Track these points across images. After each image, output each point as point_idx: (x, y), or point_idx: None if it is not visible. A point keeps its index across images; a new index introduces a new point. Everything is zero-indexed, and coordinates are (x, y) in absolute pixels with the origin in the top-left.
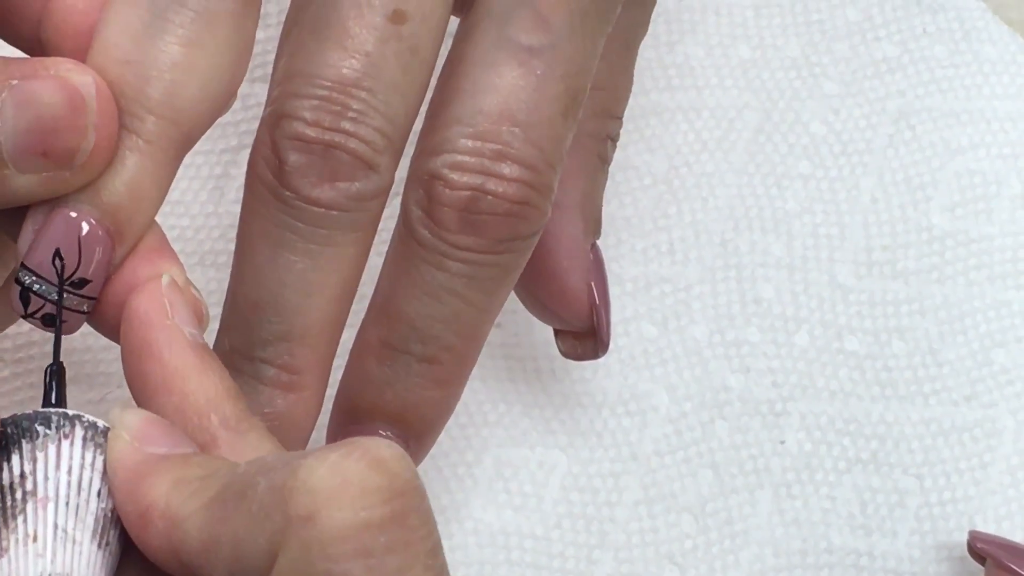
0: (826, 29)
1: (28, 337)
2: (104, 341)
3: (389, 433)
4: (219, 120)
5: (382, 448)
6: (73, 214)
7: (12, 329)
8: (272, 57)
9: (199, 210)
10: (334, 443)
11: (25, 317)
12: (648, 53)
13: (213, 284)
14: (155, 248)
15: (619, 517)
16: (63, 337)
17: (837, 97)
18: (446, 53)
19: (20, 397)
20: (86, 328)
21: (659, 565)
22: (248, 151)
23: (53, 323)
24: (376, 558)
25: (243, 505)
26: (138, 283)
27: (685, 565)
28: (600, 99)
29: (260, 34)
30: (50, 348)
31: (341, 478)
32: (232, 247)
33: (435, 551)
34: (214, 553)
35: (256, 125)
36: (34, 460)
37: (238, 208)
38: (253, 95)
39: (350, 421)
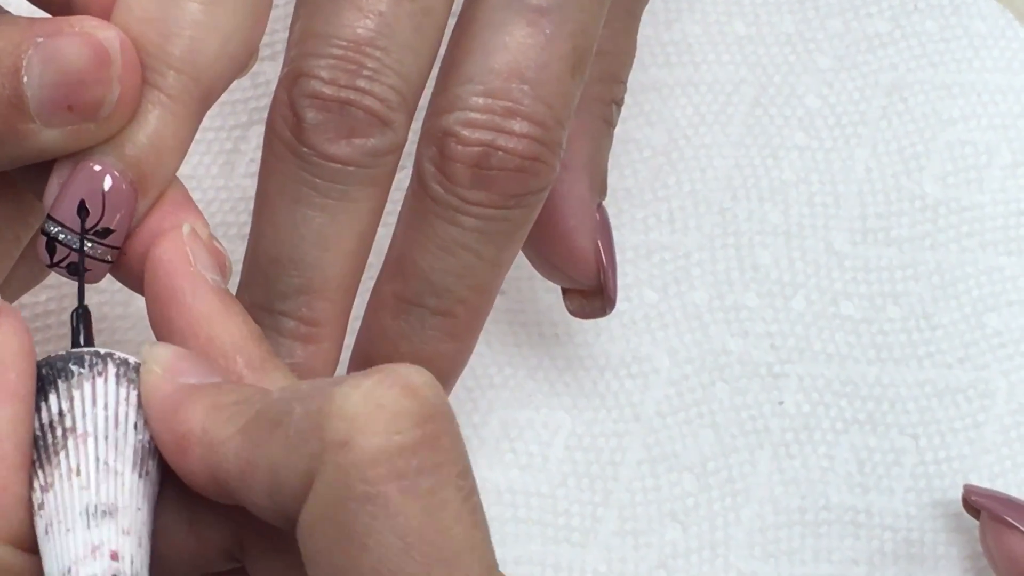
0: (819, 5)
1: (45, 307)
2: (119, 310)
3: None
4: (228, 97)
5: (413, 374)
6: (97, 166)
7: (28, 299)
8: (279, 36)
9: (210, 184)
10: (367, 369)
11: (51, 267)
12: (647, 31)
13: None
14: (178, 202)
15: (622, 476)
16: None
17: (831, 71)
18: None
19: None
20: (102, 297)
21: (662, 522)
22: (258, 127)
23: (78, 272)
24: (409, 479)
25: (279, 430)
26: (161, 235)
27: (687, 522)
28: (605, 64)
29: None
30: (66, 318)
31: (375, 403)
32: (242, 220)
33: (465, 473)
34: (251, 476)
35: (266, 102)
36: (71, 398)
37: (248, 182)
38: (262, 73)
39: None
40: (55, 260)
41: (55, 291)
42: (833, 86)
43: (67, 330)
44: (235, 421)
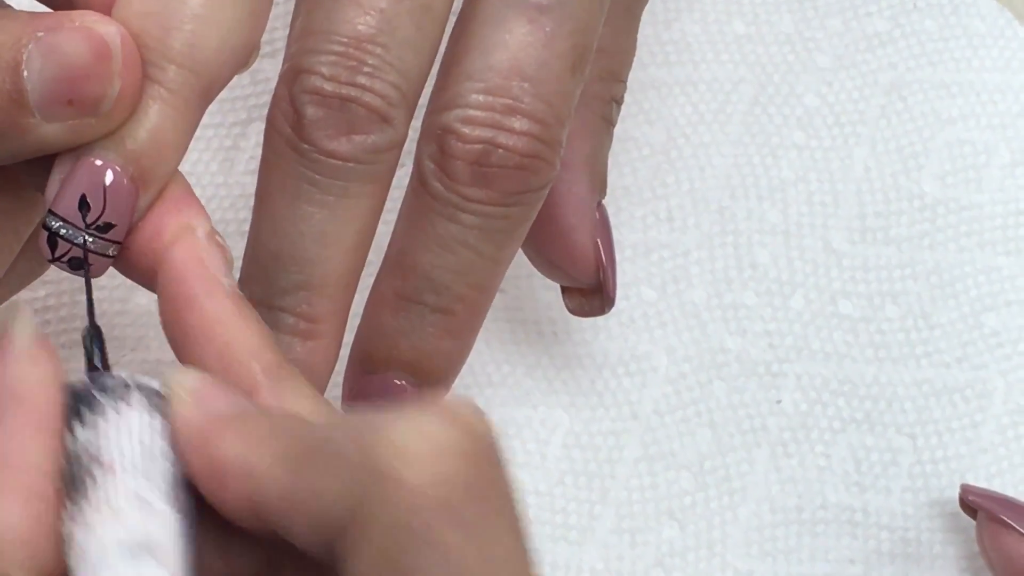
0: (819, 5)
1: (44, 303)
2: (118, 306)
3: (403, 382)
4: (228, 94)
5: (463, 408)
6: (98, 161)
7: (27, 294)
8: (279, 34)
9: (210, 181)
10: (418, 403)
11: (52, 261)
12: (646, 30)
13: None
14: (181, 197)
15: (620, 474)
16: (81, 301)
17: (830, 70)
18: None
19: None
20: (101, 293)
21: (659, 520)
22: (257, 124)
23: (79, 267)
24: (463, 518)
25: (322, 460)
26: (165, 230)
27: (684, 521)
28: (605, 62)
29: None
30: (67, 313)
31: (427, 438)
32: (242, 216)
33: (515, 508)
34: (293, 507)
35: (266, 99)
36: (96, 427)
37: (248, 179)
38: (262, 70)
39: (366, 371)
40: (56, 255)
41: (54, 287)
42: (832, 85)
43: (66, 326)
44: (273, 450)
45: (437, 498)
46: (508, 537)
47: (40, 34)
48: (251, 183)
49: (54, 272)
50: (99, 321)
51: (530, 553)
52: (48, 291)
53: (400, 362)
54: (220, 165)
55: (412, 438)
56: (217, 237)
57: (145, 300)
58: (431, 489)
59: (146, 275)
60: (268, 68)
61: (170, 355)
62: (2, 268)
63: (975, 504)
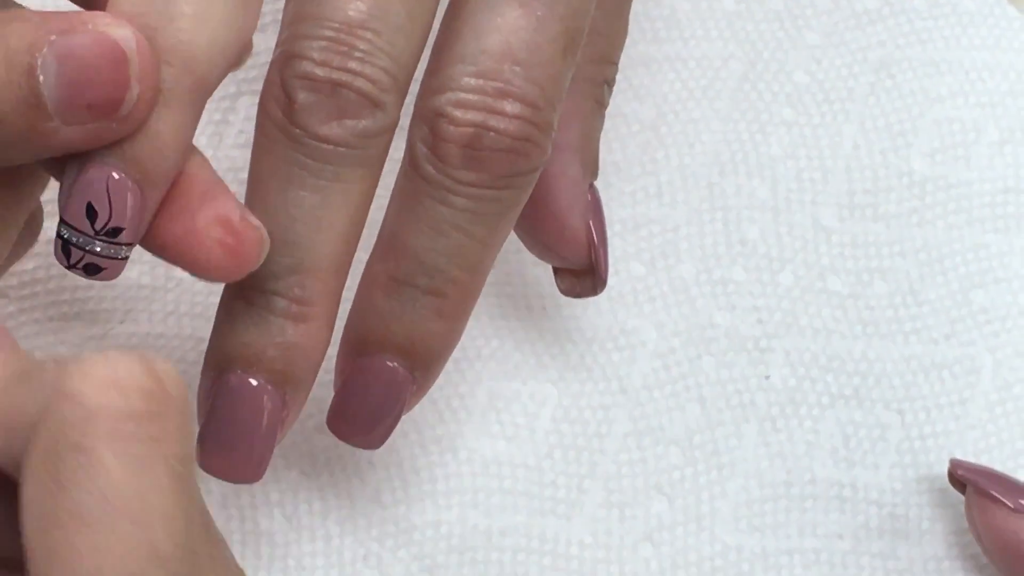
0: None
1: (32, 275)
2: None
3: (396, 364)
4: None
5: (163, 364)
6: (100, 167)
7: (17, 267)
8: (268, 7)
9: None
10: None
11: (69, 268)
12: (636, 6)
13: None
14: (208, 188)
15: (609, 448)
16: (70, 274)
17: (819, 47)
18: None
19: (25, 332)
20: None
21: (647, 495)
22: (247, 98)
23: (95, 272)
24: (122, 442)
25: (28, 383)
26: (198, 224)
27: (673, 495)
28: (597, 45)
29: None
30: (55, 286)
31: (114, 370)
32: (231, 190)
33: (184, 459)
34: (11, 431)
35: (255, 74)
36: None
37: (236, 153)
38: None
39: (358, 353)
40: (72, 263)
41: (43, 259)
42: (821, 62)
43: (54, 298)
44: None
45: (103, 420)
46: (163, 476)
47: (53, 37)
48: (240, 157)
49: (42, 246)
50: (88, 293)
51: (185, 502)
52: (37, 263)
53: (392, 344)
54: (209, 139)
55: (102, 368)
56: (250, 218)
57: (135, 274)
58: (100, 411)
59: (187, 267)
60: (258, 42)
61: (158, 328)
62: (2, 255)
63: (964, 478)
